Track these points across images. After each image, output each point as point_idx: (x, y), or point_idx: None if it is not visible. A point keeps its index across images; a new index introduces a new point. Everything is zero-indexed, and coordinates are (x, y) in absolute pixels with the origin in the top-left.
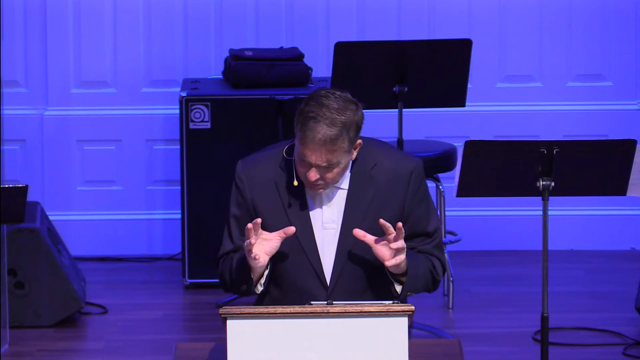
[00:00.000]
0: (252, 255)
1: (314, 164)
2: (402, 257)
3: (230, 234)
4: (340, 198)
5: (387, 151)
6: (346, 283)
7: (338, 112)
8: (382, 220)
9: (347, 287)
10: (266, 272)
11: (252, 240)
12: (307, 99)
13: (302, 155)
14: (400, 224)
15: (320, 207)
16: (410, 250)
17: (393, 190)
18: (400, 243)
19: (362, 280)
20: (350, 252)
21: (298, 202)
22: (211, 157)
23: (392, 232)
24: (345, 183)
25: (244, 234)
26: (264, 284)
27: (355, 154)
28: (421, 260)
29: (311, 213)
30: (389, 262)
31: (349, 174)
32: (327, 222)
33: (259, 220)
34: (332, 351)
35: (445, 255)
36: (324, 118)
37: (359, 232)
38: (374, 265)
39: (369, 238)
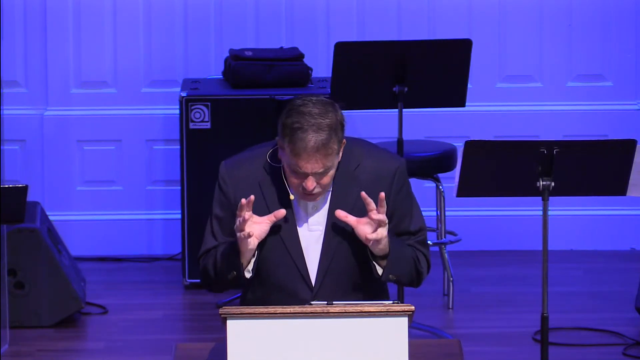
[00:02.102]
0: (245, 232)
1: (310, 172)
2: (383, 232)
3: (213, 234)
4: (324, 199)
5: (370, 151)
6: (331, 284)
7: (321, 116)
8: (363, 193)
9: (332, 288)
10: (253, 259)
11: (246, 216)
12: (286, 111)
13: (295, 166)
14: (383, 194)
15: (305, 209)
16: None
17: (377, 189)
18: (382, 216)
19: (347, 281)
20: (335, 252)
21: (283, 204)
22: (211, 157)
23: (373, 208)
24: None
25: (226, 235)
26: (252, 270)
27: (340, 154)
28: (406, 247)
29: (296, 215)
30: (370, 236)
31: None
32: (312, 223)
33: (252, 197)
34: (332, 351)
35: (430, 251)
36: (309, 125)
37: (340, 213)
38: (359, 266)
39: (351, 219)
